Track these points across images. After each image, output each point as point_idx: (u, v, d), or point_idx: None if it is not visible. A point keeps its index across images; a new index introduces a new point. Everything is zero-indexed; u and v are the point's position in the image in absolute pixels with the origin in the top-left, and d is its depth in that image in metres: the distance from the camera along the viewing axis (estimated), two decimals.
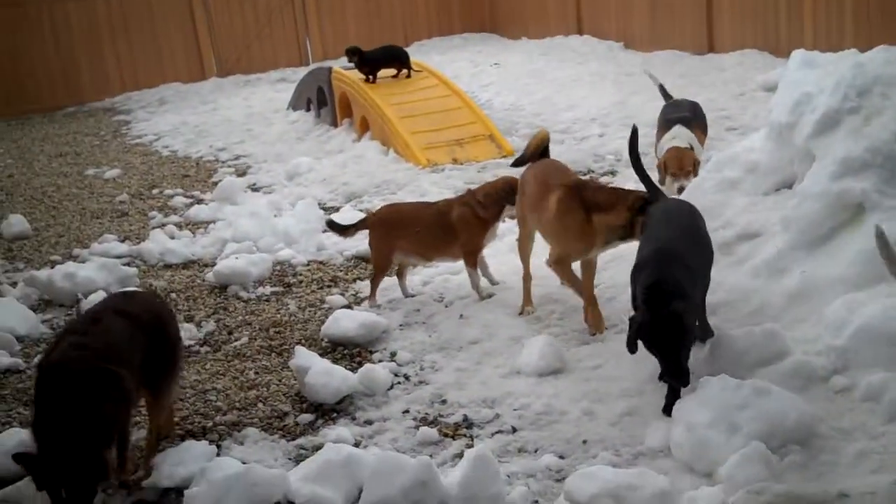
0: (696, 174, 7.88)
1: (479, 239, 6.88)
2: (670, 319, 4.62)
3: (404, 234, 6.92)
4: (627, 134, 10.91)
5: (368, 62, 12.76)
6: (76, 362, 4.40)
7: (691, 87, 12.39)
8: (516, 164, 6.94)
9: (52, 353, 4.54)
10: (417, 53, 18.29)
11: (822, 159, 5.94)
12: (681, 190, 7.88)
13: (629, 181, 8.68)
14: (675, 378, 4.70)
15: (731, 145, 8.33)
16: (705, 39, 15.18)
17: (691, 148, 8.21)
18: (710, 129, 10.00)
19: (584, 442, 4.81)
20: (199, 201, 10.55)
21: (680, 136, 8.28)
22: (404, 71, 13.02)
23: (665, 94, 9.47)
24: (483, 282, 6.96)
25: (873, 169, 5.66)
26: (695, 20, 15.37)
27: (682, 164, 8.03)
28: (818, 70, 6.69)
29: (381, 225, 7.06)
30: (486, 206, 6.83)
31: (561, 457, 4.71)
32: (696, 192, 7.06)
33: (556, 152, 10.81)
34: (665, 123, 8.65)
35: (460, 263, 7.08)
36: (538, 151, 6.80)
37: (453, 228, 6.84)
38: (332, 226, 7.45)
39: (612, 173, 9.92)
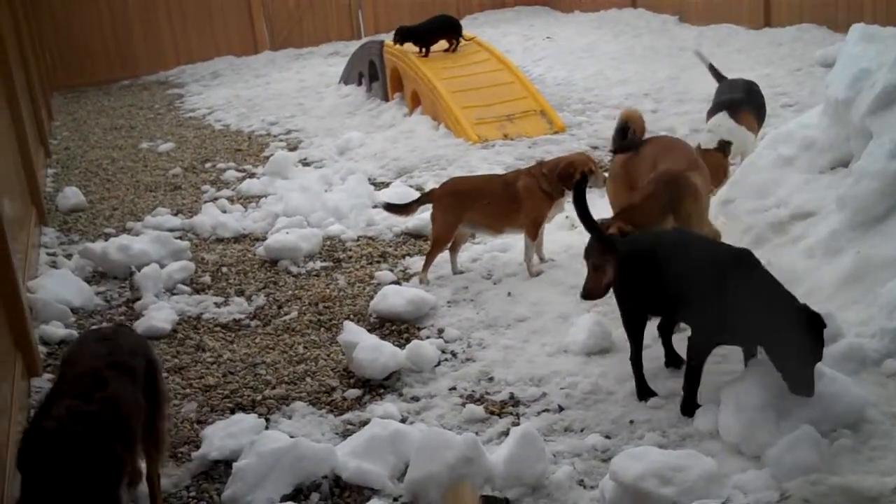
0: (722, 182, 7.33)
1: (544, 210, 6.85)
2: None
3: (473, 205, 6.89)
4: (681, 110, 10.78)
5: (421, 35, 12.69)
6: (79, 439, 3.50)
7: (747, 62, 12.21)
8: (630, 146, 6.50)
9: (48, 419, 3.58)
10: (470, 27, 18.19)
11: (879, 137, 5.81)
12: None
13: None
14: (806, 391, 4.24)
15: (787, 122, 8.17)
16: (762, 13, 14.92)
17: (724, 147, 7.62)
18: (767, 105, 9.77)
19: (631, 422, 4.78)
20: (251, 175, 10.63)
21: (718, 129, 7.69)
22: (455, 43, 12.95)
23: (716, 74, 9.07)
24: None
25: None
26: None
27: None
28: (878, 45, 6.54)
29: (448, 197, 6.99)
30: (549, 182, 6.79)
31: (607, 437, 4.69)
32: (750, 170, 6.97)
33: (608, 129, 10.75)
34: (713, 108, 8.13)
35: (509, 241, 7.04)
36: (644, 129, 6.66)
37: (519, 198, 6.81)
38: (390, 208, 7.40)
39: None
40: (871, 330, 5.00)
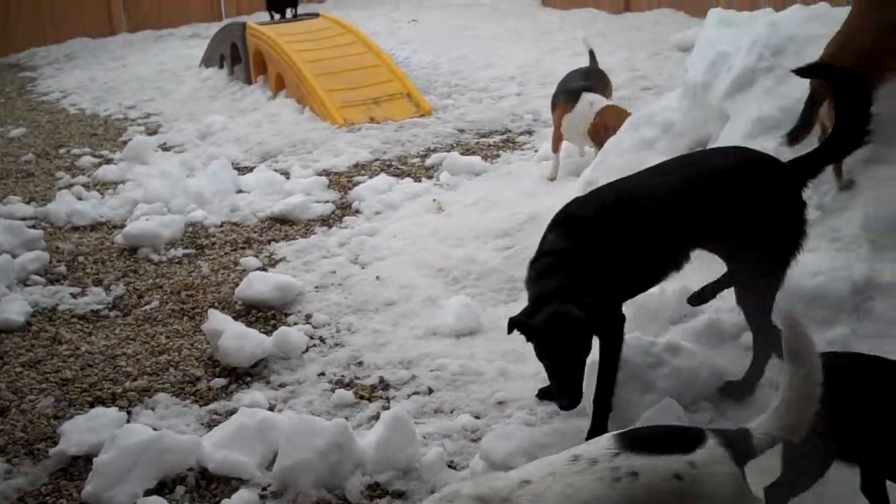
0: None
1: None
2: None
3: None
4: (545, 93, 10.86)
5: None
6: None
7: (607, 47, 12.43)
8: None
9: None
10: (335, 9, 18.09)
11: (735, 119, 5.98)
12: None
13: (545, 140, 8.70)
14: None
15: (647, 105, 8.35)
16: None
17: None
18: (627, 88, 10.04)
19: (500, 402, 4.82)
20: (108, 161, 10.25)
21: (600, 102, 7.85)
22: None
23: (592, 60, 9.15)
24: None
25: (786, 128, 5.70)
26: None
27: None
28: (734, 29, 6.72)
29: None
30: None
31: (476, 417, 4.71)
32: (613, 151, 7.09)
33: (474, 112, 10.81)
34: (565, 93, 8.16)
35: (376, 225, 6.92)
36: None
37: None
38: None
39: (530, 132, 9.91)
40: (728, 305, 5.14)
